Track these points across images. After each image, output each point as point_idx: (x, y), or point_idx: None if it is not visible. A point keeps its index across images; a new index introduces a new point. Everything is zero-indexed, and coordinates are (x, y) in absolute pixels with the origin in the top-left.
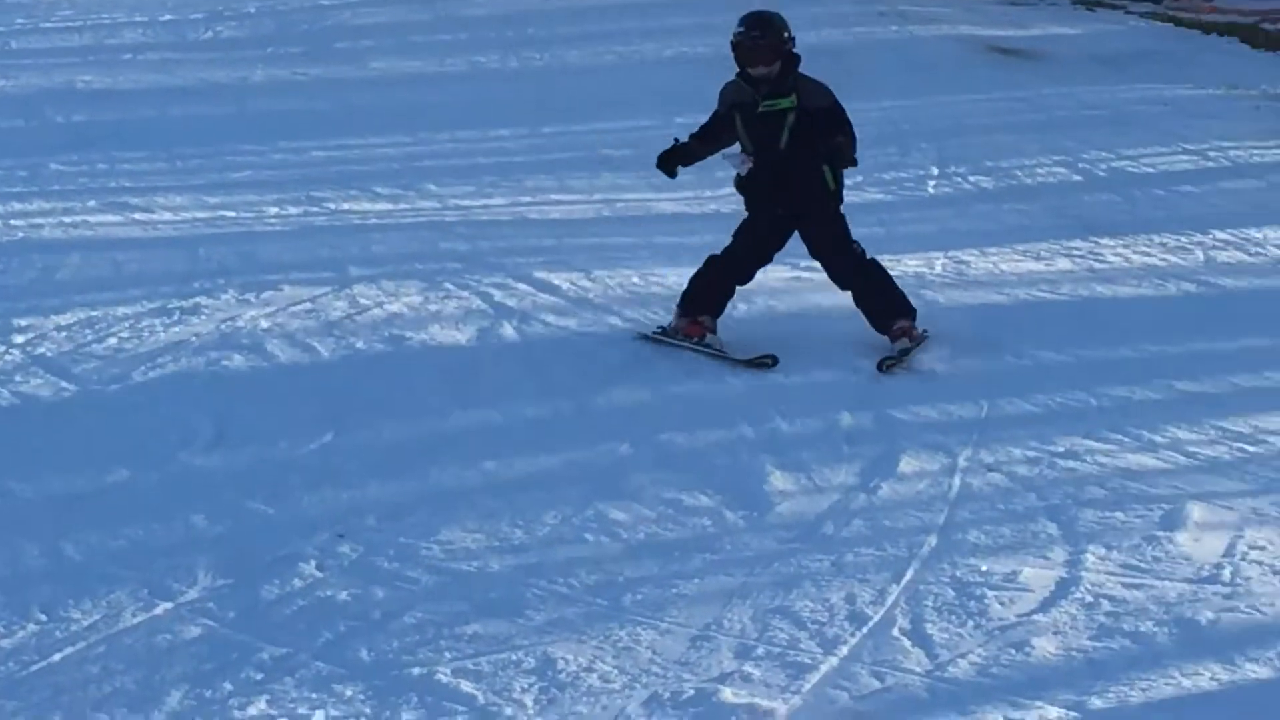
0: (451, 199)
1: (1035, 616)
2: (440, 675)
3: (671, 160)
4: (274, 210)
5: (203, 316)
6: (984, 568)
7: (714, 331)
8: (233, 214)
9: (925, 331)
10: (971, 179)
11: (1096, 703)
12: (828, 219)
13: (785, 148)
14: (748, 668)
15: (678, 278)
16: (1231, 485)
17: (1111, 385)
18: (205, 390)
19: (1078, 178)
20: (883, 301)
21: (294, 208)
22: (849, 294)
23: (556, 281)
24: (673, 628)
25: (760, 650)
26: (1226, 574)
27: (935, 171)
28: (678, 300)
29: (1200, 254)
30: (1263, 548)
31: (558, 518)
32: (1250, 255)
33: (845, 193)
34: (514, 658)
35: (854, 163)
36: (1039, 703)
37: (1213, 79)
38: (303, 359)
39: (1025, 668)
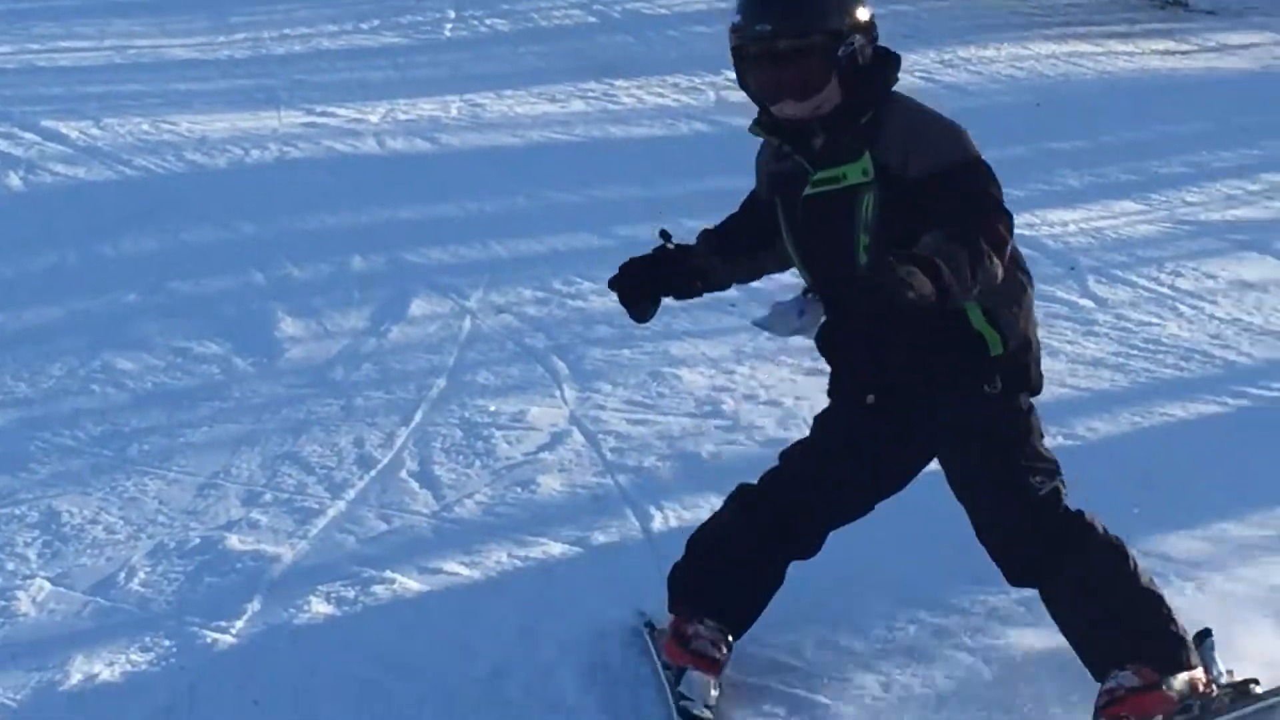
0: None
1: (541, 455)
2: None
3: (659, 280)
4: None
5: None
6: (492, 408)
7: (716, 667)
8: None
9: (1207, 693)
10: (489, 22)
11: (599, 537)
12: (981, 422)
13: (869, 266)
14: (255, 514)
15: (189, 124)
16: (730, 322)
17: (620, 225)
18: None
19: (594, 20)
20: (1095, 613)
21: None
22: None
23: (65, 130)
24: (180, 477)
25: (268, 496)
26: (727, 407)
27: (452, 15)
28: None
29: (712, 94)
30: (757, 380)
31: (63, 369)
32: None
33: None
34: (17, 512)
35: (972, 280)
36: (543, 539)
37: None
38: None
39: (530, 505)
